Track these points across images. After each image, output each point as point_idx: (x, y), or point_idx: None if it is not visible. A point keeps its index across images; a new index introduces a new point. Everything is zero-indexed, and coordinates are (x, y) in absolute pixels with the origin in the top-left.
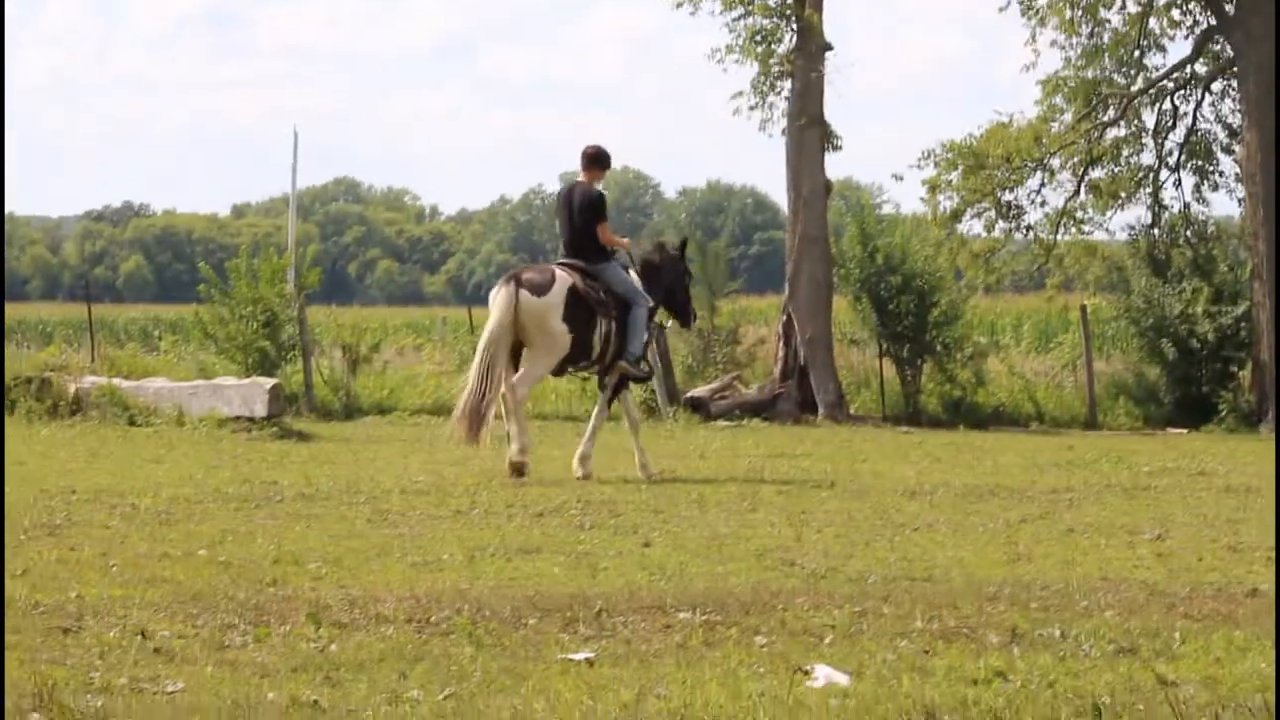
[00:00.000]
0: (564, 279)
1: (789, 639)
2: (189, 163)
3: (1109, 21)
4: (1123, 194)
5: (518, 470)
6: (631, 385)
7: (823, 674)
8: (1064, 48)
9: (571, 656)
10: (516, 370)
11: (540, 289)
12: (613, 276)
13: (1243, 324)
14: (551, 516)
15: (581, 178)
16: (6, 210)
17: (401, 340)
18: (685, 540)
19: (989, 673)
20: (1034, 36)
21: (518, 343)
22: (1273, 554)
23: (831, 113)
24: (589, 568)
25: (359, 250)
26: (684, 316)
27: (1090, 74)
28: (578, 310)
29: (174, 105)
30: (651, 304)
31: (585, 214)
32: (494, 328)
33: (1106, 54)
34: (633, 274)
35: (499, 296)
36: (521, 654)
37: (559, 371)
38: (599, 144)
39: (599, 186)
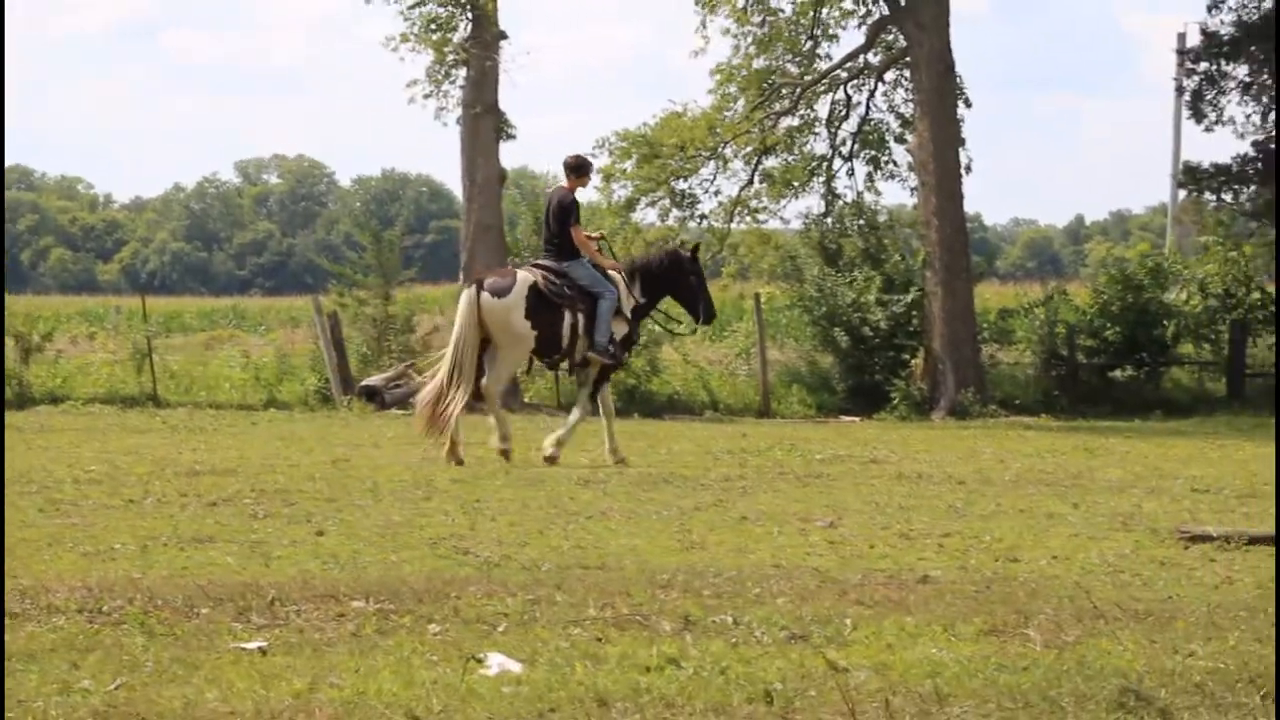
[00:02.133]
0: (525, 279)
1: (462, 627)
2: None
3: (781, 11)
4: (796, 183)
5: (504, 455)
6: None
7: (496, 662)
8: (735, 36)
9: (244, 645)
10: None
11: (501, 291)
12: (579, 272)
13: (914, 312)
14: (225, 506)
15: (564, 184)
16: None
17: (75, 329)
18: (359, 529)
19: (661, 660)
20: (704, 24)
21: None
22: (944, 540)
23: (506, 101)
24: (262, 557)
25: (32, 239)
26: (694, 314)
27: (764, 63)
28: (541, 307)
29: None
30: (615, 295)
31: (559, 217)
32: (459, 331)
33: (780, 43)
34: (615, 276)
35: (462, 301)
36: (194, 643)
37: (530, 365)
38: (580, 154)
39: (582, 190)
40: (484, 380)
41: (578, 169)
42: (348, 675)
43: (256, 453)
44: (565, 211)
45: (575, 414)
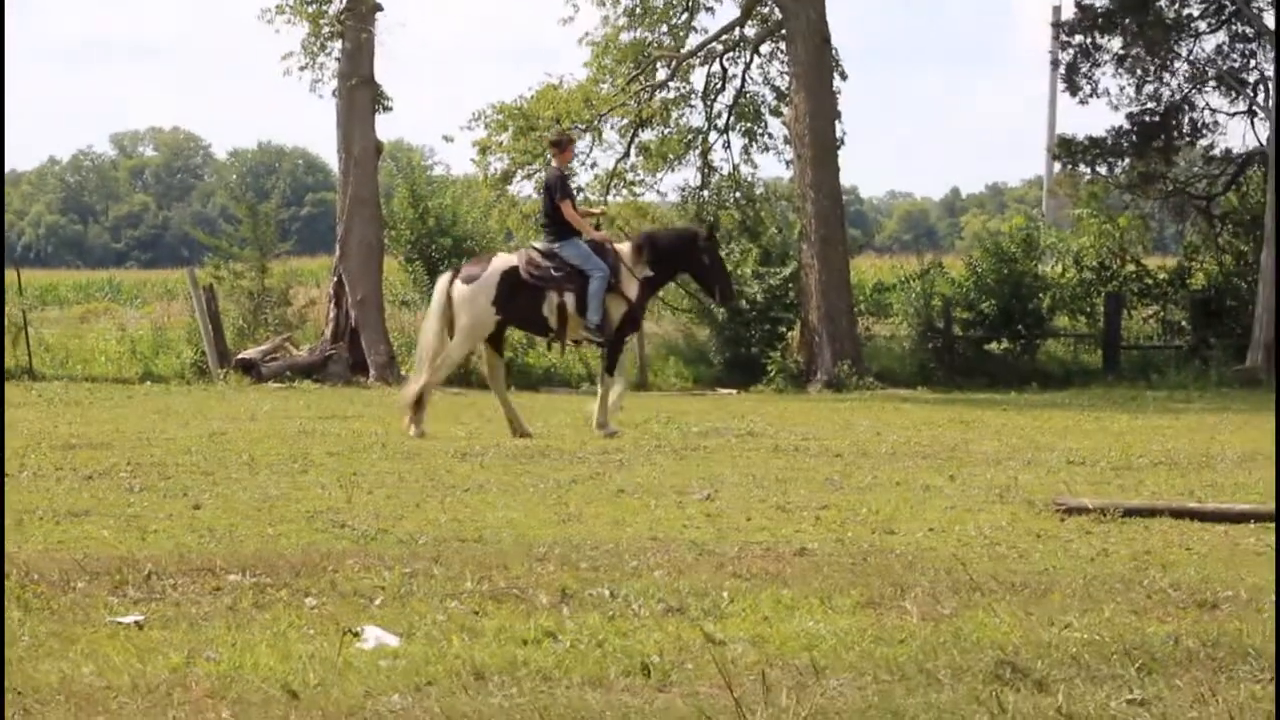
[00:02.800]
0: (499, 264)
1: (339, 600)
2: None
3: None
4: (672, 156)
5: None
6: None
7: (372, 635)
8: (606, 6)
9: (120, 620)
10: (498, 351)
11: (471, 278)
12: (569, 251)
13: (790, 285)
14: (101, 479)
15: (554, 162)
16: None
17: None
18: (235, 502)
19: (539, 633)
20: None
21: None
22: (821, 512)
23: (382, 74)
24: (138, 530)
25: None
26: (709, 293)
27: (639, 35)
28: (515, 291)
29: None
30: (606, 273)
31: (549, 194)
32: (429, 315)
33: (650, 15)
34: (621, 247)
35: (435, 286)
36: (70, 618)
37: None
38: (562, 129)
39: (569, 166)
40: (437, 359)
41: (557, 144)
42: (224, 649)
43: (132, 426)
44: (551, 190)
45: (617, 386)
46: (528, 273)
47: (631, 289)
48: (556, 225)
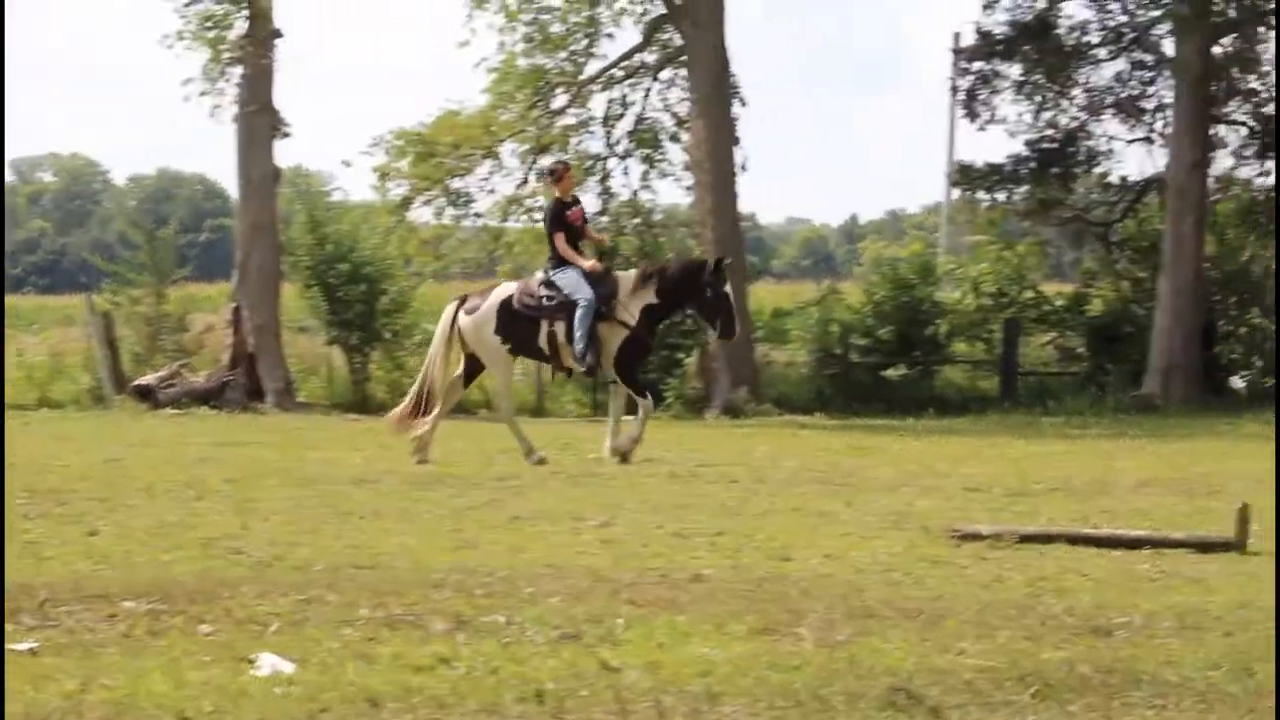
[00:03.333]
0: (498, 295)
1: (234, 627)
2: None
3: (555, 8)
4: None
5: (540, 463)
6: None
7: (267, 662)
8: (503, 32)
9: (15, 647)
10: (464, 381)
11: (473, 309)
12: (561, 279)
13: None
14: None
15: (555, 192)
16: None
17: None
18: (131, 529)
19: (433, 660)
20: (471, 16)
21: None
22: (717, 539)
23: (282, 99)
24: (34, 557)
25: None
26: (711, 326)
27: (538, 61)
28: (513, 321)
29: None
30: (590, 301)
31: (545, 226)
32: (434, 343)
33: (549, 41)
34: (625, 275)
35: (442, 315)
36: None
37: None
38: (555, 160)
39: (572, 195)
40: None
41: (551, 173)
42: (119, 676)
43: (29, 452)
44: (545, 220)
45: (640, 411)
46: (520, 303)
47: (630, 316)
48: (554, 254)
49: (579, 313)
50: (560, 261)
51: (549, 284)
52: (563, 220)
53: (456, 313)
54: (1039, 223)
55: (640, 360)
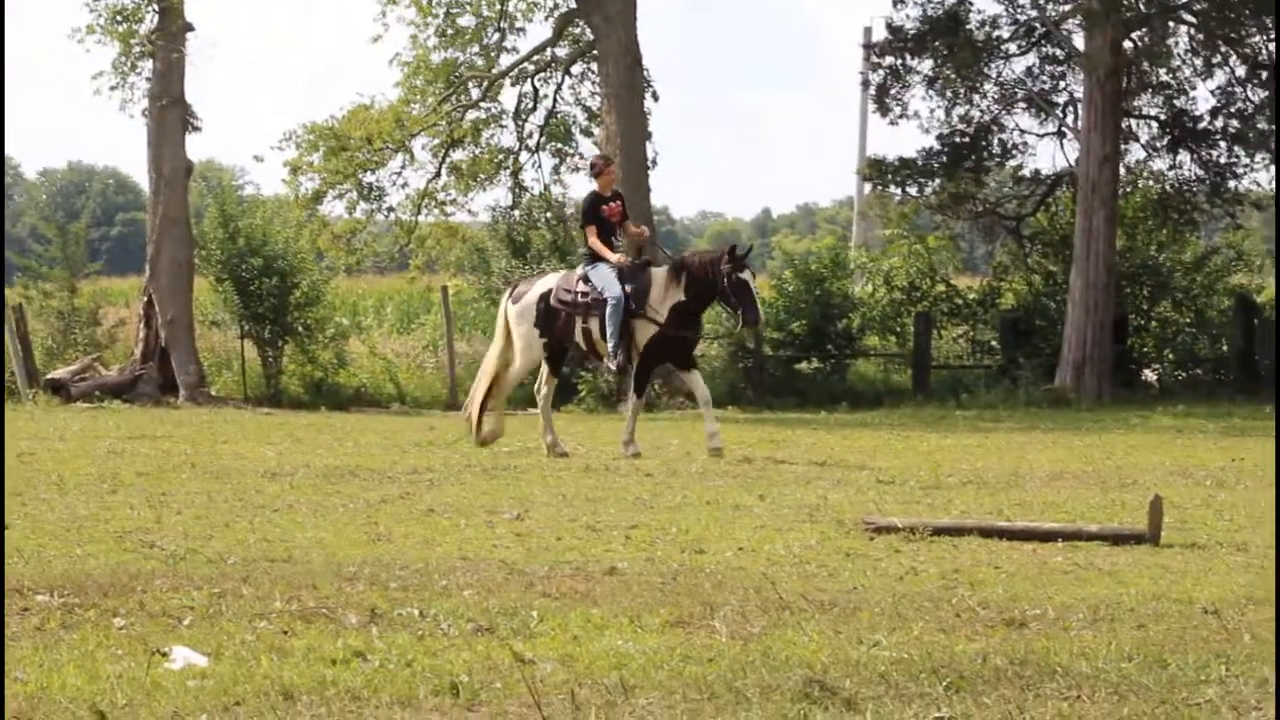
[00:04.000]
0: (540, 288)
1: (148, 621)
2: None
3: (468, 3)
4: (483, 176)
5: (562, 455)
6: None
7: (181, 655)
8: (416, 25)
9: None
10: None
11: (518, 298)
12: (595, 276)
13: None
14: None
15: (594, 186)
16: None
17: None
18: (44, 523)
19: (348, 653)
20: (384, 13)
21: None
22: (631, 532)
23: (193, 93)
24: None
25: None
26: (734, 315)
27: (450, 55)
28: (549, 316)
29: None
30: (618, 299)
31: (580, 217)
32: (495, 334)
33: (462, 36)
34: (658, 271)
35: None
36: None
37: (556, 369)
38: (598, 154)
39: (605, 188)
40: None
41: (592, 167)
42: (32, 670)
43: None
44: (580, 213)
45: (703, 402)
46: (558, 298)
47: (660, 313)
48: (587, 248)
49: (608, 310)
50: (594, 256)
51: (585, 279)
52: (597, 214)
53: (507, 301)
54: (951, 216)
55: (663, 357)
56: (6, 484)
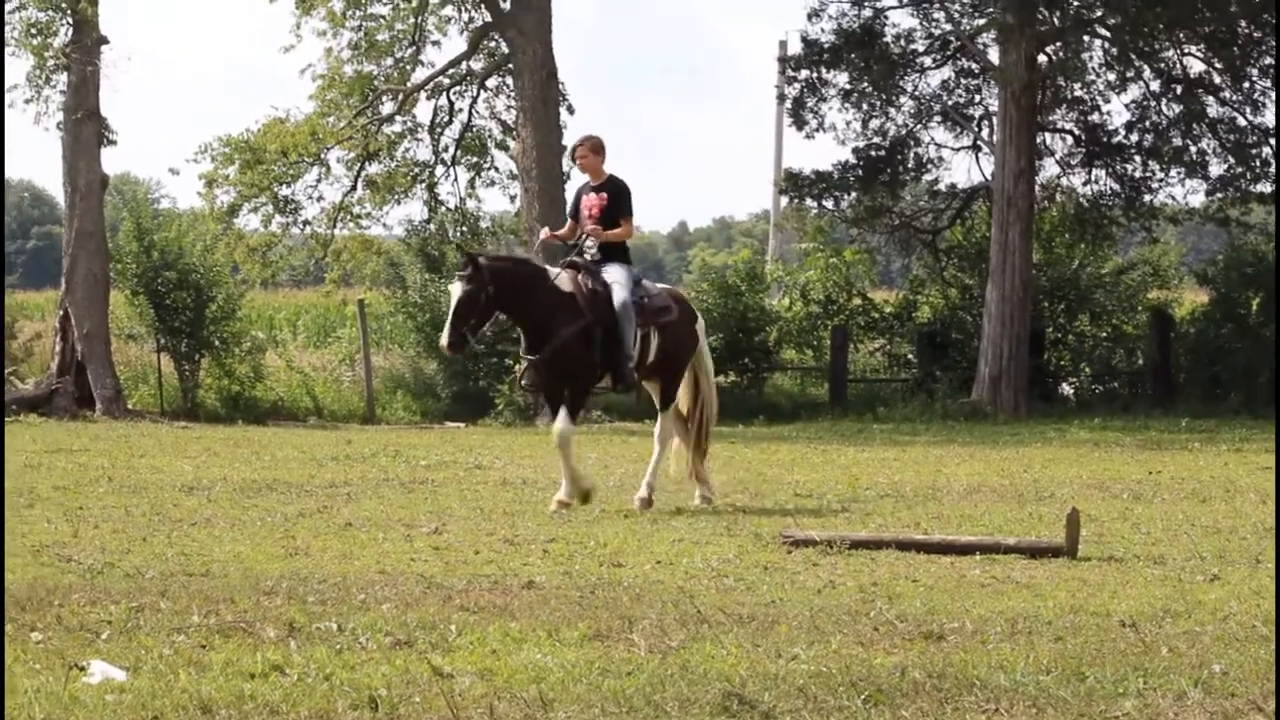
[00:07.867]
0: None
1: (65, 635)
2: None
3: (383, 17)
4: (399, 189)
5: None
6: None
7: (99, 670)
8: (329, 37)
9: None
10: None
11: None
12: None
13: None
14: None
15: None
16: None
17: None
18: None
19: (266, 667)
20: (299, 25)
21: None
22: (549, 545)
23: (108, 107)
24: None
25: None
26: None
27: (364, 68)
28: None
29: None
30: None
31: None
32: None
33: (375, 49)
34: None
35: None
36: None
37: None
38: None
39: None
40: None
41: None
42: None
43: None
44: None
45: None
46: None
47: None
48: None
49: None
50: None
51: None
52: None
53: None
54: (867, 230)
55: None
56: None
